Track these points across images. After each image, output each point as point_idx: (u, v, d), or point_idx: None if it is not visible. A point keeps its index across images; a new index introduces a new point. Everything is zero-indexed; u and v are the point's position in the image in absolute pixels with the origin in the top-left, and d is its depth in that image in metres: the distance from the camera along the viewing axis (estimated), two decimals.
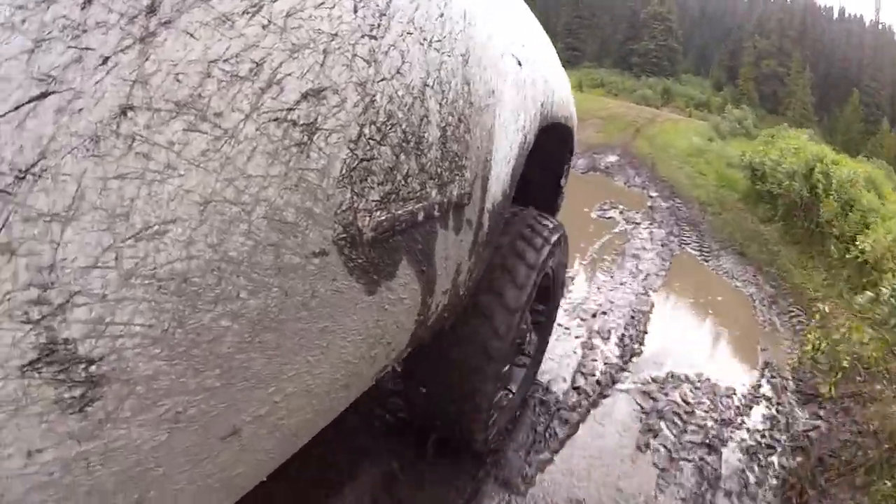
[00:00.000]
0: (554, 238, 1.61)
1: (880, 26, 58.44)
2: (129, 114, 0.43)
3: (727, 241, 5.81)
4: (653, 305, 3.66)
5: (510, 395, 1.93)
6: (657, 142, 14.30)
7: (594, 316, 3.28)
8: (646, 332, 3.24)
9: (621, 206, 6.45)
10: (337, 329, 0.74)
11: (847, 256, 4.63)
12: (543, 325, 2.03)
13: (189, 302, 0.50)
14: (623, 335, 3.11)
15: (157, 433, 0.53)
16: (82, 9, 0.40)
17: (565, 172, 2.09)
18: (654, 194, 7.82)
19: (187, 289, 0.50)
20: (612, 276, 4.07)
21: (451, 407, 1.56)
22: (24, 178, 0.38)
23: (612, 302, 3.55)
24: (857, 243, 4.40)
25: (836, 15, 60.19)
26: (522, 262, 1.48)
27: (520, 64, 1.35)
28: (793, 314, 4.06)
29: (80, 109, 0.40)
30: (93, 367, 0.45)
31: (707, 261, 5.11)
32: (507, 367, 1.69)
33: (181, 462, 0.57)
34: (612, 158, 10.65)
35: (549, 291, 1.91)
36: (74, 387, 0.44)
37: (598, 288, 3.80)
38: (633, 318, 3.37)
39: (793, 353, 3.33)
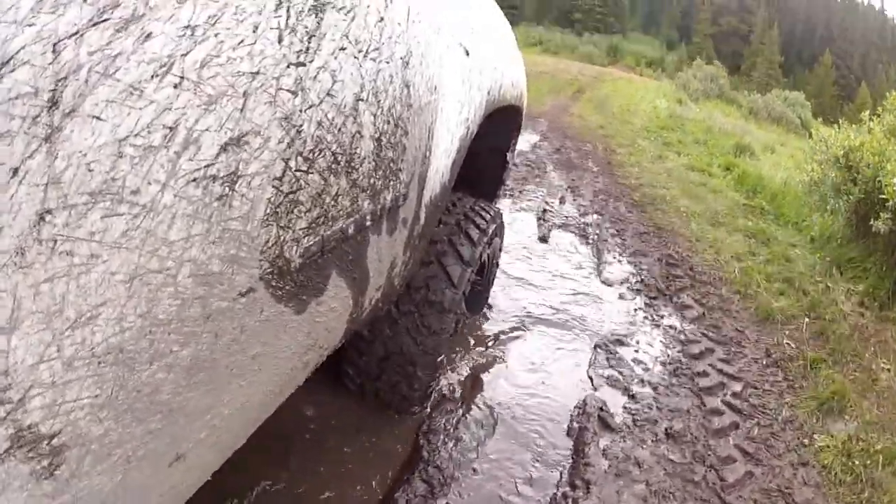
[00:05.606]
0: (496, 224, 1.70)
1: None
2: (48, 217, 0.45)
3: None
4: None
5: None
6: (610, 107, 10.32)
7: None
8: None
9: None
10: (268, 352, 0.80)
11: None
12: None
13: (127, 367, 0.56)
14: None
15: (114, 475, 0.59)
16: None
17: (512, 148, 2.13)
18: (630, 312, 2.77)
19: (123, 357, 0.55)
20: None
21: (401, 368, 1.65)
22: None
23: None
24: None
25: None
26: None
27: (467, 53, 1.34)
28: None
29: (1, 228, 0.42)
30: (54, 441, 0.51)
31: None
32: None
33: (137, 493, 0.65)
34: (529, 142, 6.00)
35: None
36: (42, 458, 0.51)
37: None
38: None
39: None
